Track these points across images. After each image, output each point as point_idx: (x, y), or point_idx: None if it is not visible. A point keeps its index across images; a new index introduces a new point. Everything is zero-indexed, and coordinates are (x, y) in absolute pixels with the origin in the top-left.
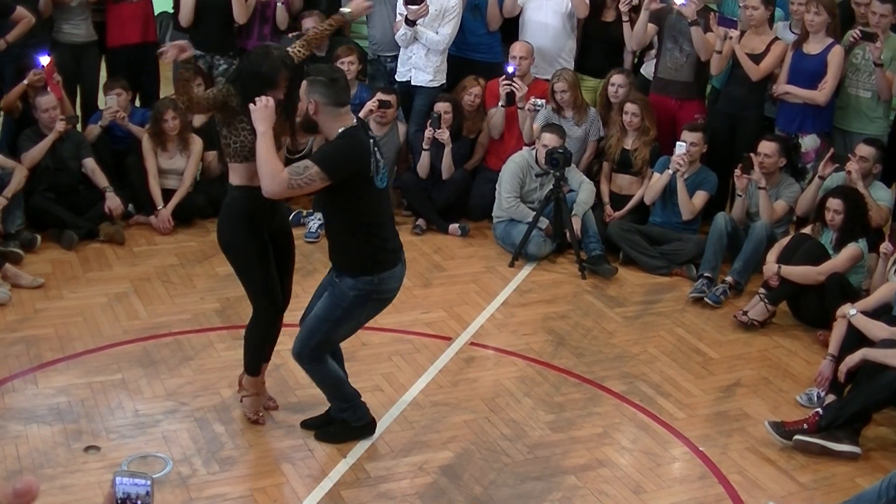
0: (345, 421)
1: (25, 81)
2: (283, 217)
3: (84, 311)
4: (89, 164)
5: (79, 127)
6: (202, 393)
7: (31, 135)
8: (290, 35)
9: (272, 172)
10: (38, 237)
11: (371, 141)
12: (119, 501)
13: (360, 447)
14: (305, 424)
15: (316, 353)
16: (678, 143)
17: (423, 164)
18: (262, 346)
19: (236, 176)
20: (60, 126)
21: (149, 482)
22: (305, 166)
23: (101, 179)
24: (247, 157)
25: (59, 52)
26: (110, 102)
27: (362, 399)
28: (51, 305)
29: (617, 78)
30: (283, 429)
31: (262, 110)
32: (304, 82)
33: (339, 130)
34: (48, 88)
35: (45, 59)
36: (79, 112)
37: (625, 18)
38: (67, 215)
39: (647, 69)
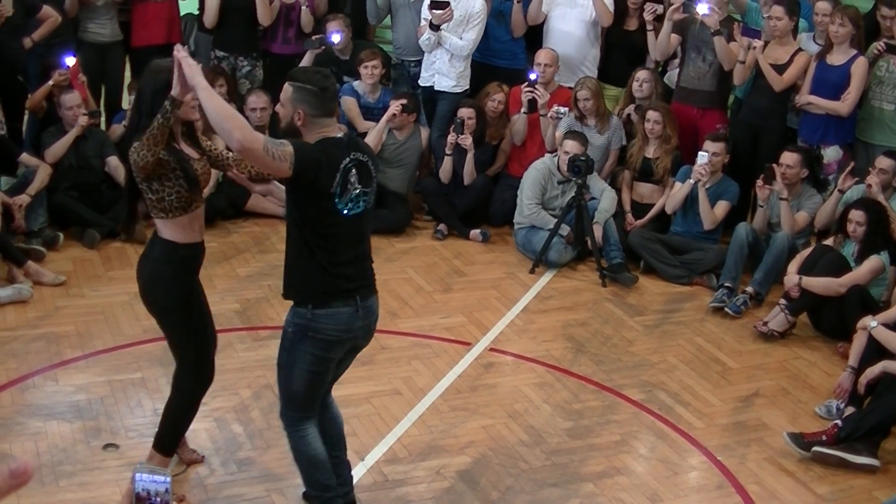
0: None
1: (51, 82)
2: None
3: (105, 309)
4: (112, 161)
5: (102, 125)
6: (221, 393)
7: (55, 132)
8: (313, 38)
9: (243, 124)
10: (61, 235)
11: (348, 160)
12: (138, 497)
13: (378, 451)
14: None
15: (290, 413)
16: (700, 152)
17: (446, 169)
18: (190, 416)
19: (173, 232)
20: (83, 121)
21: (168, 479)
22: (283, 142)
23: (117, 169)
24: (185, 209)
25: (85, 51)
26: (133, 102)
27: (336, 499)
28: (72, 303)
29: (642, 74)
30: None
31: (188, 61)
32: (289, 87)
33: (317, 139)
34: (73, 87)
35: (70, 60)
36: (103, 110)
37: (649, 27)
38: (90, 213)
39: (671, 77)
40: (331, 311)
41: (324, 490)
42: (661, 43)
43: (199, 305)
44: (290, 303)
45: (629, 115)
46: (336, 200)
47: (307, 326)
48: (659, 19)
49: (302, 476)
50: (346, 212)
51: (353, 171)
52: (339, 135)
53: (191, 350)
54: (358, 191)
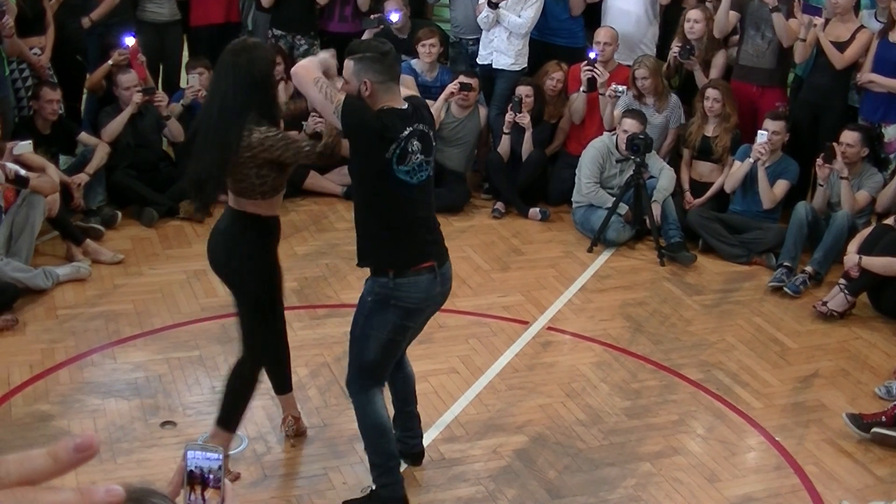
0: (373, 492)
1: (110, 62)
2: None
3: (163, 287)
4: (172, 125)
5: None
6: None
7: (112, 111)
8: (372, 17)
9: (311, 64)
10: (119, 214)
11: (410, 130)
12: (190, 474)
13: (435, 429)
14: None
15: (361, 381)
16: (760, 131)
17: (504, 147)
18: (249, 395)
19: (245, 203)
20: (137, 98)
21: (220, 456)
22: (338, 93)
23: (177, 130)
24: (264, 194)
25: (143, 30)
26: (192, 81)
27: (401, 469)
28: (130, 281)
29: (693, 13)
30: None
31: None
32: (350, 62)
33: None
34: (132, 67)
35: (130, 40)
36: (161, 90)
37: (707, 4)
38: (148, 192)
39: (731, 55)
40: (412, 280)
41: (388, 458)
42: (719, 20)
43: (276, 282)
44: (366, 273)
45: (675, 56)
46: (395, 167)
47: (389, 295)
48: None
49: (366, 443)
50: (409, 179)
51: (415, 140)
52: (405, 106)
53: (261, 326)
54: (420, 159)
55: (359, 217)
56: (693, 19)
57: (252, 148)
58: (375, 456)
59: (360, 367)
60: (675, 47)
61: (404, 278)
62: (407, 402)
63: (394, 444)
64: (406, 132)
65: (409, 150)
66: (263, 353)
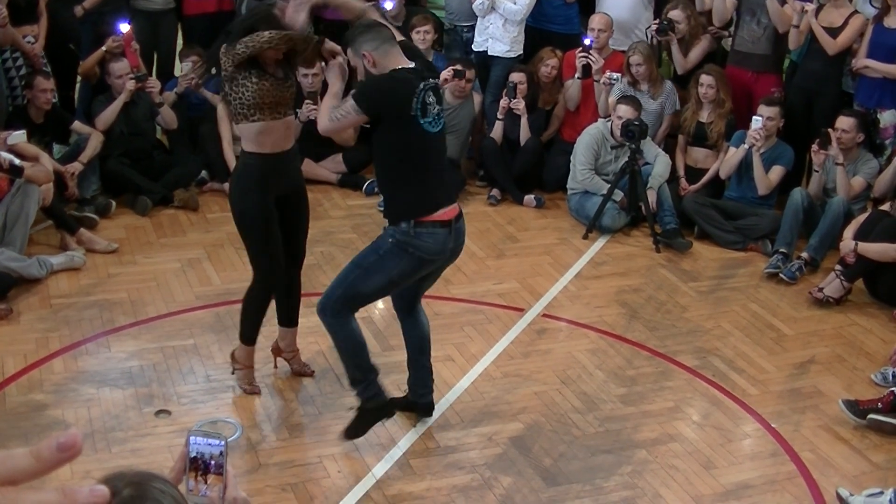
0: (361, 409)
1: (104, 48)
2: (294, 177)
3: (157, 276)
4: (165, 112)
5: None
6: (272, 359)
7: (105, 100)
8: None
9: (323, 111)
10: (113, 203)
11: (423, 85)
12: (192, 460)
13: (431, 417)
14: (394, 404)
15: (340, 306)
16: (754, 117)
17: (497, 133)
18: (259, 313)
19: (245, 140)
20: (130, 85)
21: (223, 442)
22: (344, 100)
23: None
24: (246, 115)
25: (137, 19)
26: (185, 69)
27: (379, 378)
28: (124, 270)
29: (675, 14)
30: (353, 397)
31: (340, 69)
32: (349, 50)
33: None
34: (125, 55)
35: (124, 27)
36: (154, 77)
37: None
38: (142, 180)
39: (725, 42)
40: (430, 230)
41: (368, 372)
42: (717, 6)
43: (271, 217)
44: None
45: (653, 34)
46: (420, 121)
47: (408, 243)
48: None
49: (345, 363)
50: (431, 129)
51: (431, 92)
52: (411, 64)
53: (261, 249)
54: (438, 109)
55: (383, 179)
56: (676, 20)
57: (227, 54)
58: (356, 371)
59: (347, 295)
60: (652, 25)
61: (423, 228)
62: (423, 351)
63: (368, 358)
64: (421, 86)
65: (427, 101)
66: (268, 276)
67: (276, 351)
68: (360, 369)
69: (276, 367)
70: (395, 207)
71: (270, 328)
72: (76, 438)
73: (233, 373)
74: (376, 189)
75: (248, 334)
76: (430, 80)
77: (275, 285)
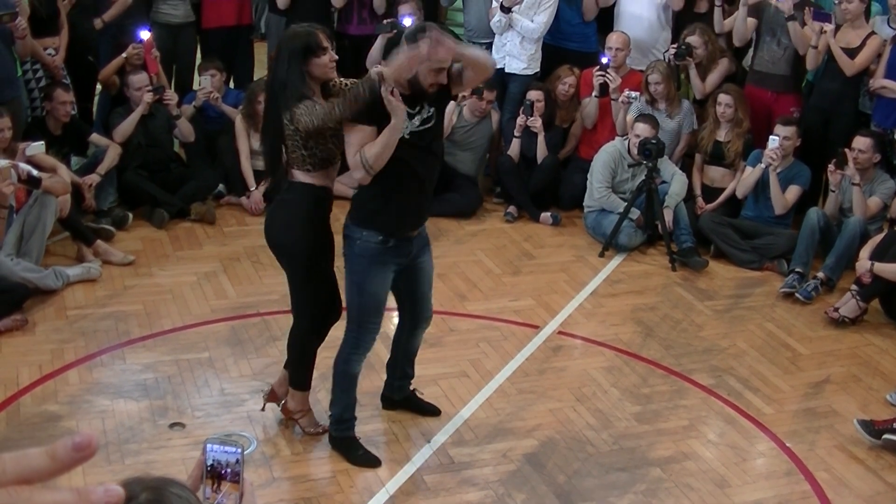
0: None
1: (124, 55)
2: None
3: (173, 289)
4: (182, 125)
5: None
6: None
7: (123, 112)
8: (385, 22)
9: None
10: (130, 215)
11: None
12: (209, 468)
13: (445, 433)
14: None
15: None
16: (771, 136)
17: (514, 150)
18: (311, 355)
19: (310, 177)
20: (148, 97)
21: (239, 451)
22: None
23: (187, 129)
24: (331, 161)
25: (157, 32)
26: (204, 83)
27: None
28: (140, 282)
29: (692, 39)
30: (368, 411)
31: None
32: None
33: None
34: (146, 64)
35: (145, 34)
36: (173, 90)
37: (717, 3)
38: (159, 193)
39: (745, 60)
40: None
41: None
42: (738, 28)
43: (327, 248)
44: None
45: (671, 58)
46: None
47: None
48: (730, 0)
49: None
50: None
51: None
52: None
53: (309, 293)
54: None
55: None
56: (694, 46)
57: (290, 124)
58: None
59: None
60: (671, 48)
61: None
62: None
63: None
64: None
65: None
66: (312, 315)
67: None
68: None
69: (263, 409)
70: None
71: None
72: (91, 439)
73: (290, 426)
74: None
75: (301, 379)
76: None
77: (322, 327)
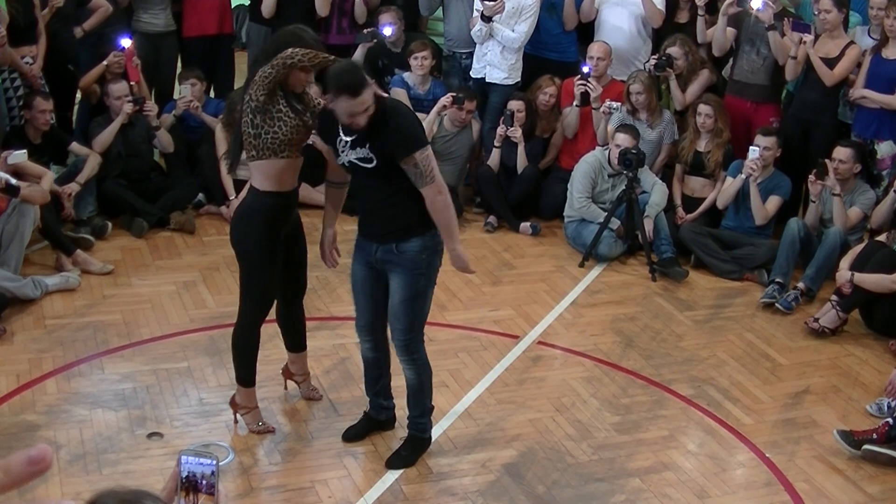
0: (413, 437)
1: (105, 63)
2: (296, 212)
3: (152, 298)
4: (161, 136)
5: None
6: (266, 383)
7: (102, 122)
8: (365, 31)
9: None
10: (109, 224)
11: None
12: (184, 480)
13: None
14: (348, 436)
15: (415, 337)
16: (751, 147)
17: (494, 160)
18: (254, 351)
19: (262, 177)
20: (128, 108)
21: (214, 462)
22: (424, 157)
23: (167, 140)
24: (276, 152)
25: (138, 40)
26: (184, 92)
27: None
28: (119, 292)
29: (673, 50)
30: (346, 421)
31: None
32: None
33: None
34: (127, 72)
35: (126, 42)
36: (153, 100)
37: (700, 12)
38: (139, 202)
39: (724, 70)
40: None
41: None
42: (717, 37)
43: (278, 256)
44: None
45: (651, 69)
46: None
47: (436, 246)
48: (711, 10)
49: (429, 393)
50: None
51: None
52: None
53: (258, 292)
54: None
55: (390, 202)
56: (675, 57)
57: (250, 100)
58: (429, 400)
59: (418, 323)
60: (651, 59)
61: (437, 230)
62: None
63: None
64: None
65: None
66: (260, 311)
67: (287, 374)
68: (430, 398)
69: (286, 388)
70: (409, 225)
71: (267, 351)
72: (46, 452)
73: (236, 421)
74: None
75: (246, 376)
76: None
77: (260, 322)
